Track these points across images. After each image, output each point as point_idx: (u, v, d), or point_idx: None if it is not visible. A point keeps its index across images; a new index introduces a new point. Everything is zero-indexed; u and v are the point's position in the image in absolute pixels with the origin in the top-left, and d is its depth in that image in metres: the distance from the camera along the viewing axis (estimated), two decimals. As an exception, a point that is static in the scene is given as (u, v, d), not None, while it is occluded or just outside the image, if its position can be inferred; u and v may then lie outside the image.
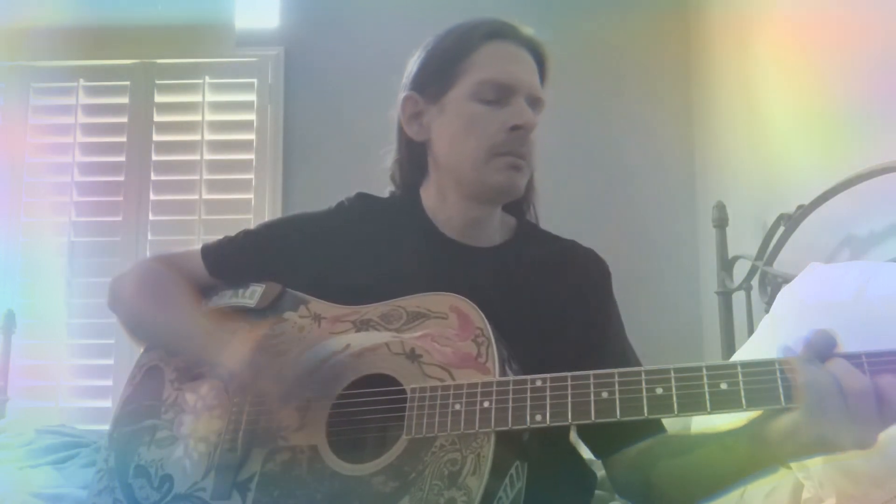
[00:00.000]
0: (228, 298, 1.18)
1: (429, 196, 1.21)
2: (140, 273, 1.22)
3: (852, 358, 0.78)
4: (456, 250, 1.18)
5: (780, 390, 0.80)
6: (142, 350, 1.21)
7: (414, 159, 1.23)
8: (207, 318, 1.12)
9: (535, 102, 1.15)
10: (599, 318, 1.17)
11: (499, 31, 1.16)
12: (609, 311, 1.19)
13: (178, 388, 1.11)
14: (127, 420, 1.13)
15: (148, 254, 3.01)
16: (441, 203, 1.20)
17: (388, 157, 1.27)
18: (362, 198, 1.26)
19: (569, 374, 0.89)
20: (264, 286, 1.16)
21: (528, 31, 1.20)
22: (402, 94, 1.21)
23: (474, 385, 0.92)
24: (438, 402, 0.93)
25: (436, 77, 1.17)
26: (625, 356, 1.15)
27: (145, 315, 1.19)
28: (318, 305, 1.12)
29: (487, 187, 1.15)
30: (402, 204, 1.23)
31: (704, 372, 0.84)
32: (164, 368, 1.15)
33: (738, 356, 1.80)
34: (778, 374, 0.81)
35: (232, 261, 1.21)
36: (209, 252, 1.22)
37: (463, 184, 1.16)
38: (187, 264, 1.22)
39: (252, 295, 1.16)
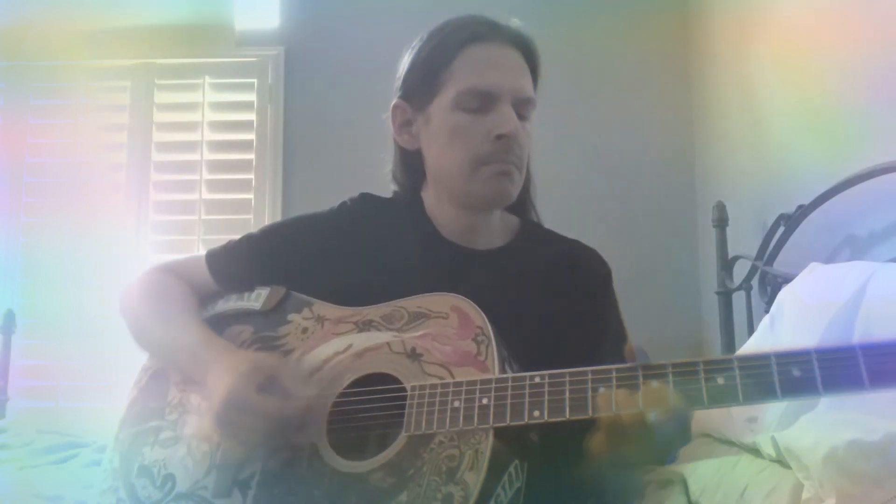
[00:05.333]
0: (234, 302, 1.18)
1: (429, 198, 1.21)
2: (143, 285, 1.22)
3: (848, 352, 0.78)
4: (456, 253, 1.18)
5: (777, 385, 0.80)
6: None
7: (410, 166, 1.23)
8: (201, 337, 1.11)
9: (523, 104, 1.13)
10: (599, 319, 1.17)
11: (479, 34, 1.13)
12: (609, 313, 1.19)
13: (183, 390, 1.11)
14: (132, 422, 1.14)
15: (148, 254, 3.02)
16: (439, 208, 1.20)
17: (389, 160, 1.27)
18: (365, 198, 1.25)
19: (567, 370, 0.90)
20: (269, 289, 1.17)
21: (514, 25, 1.16)
22: (392, 101, 1.20)
23: (473, 382, 0.93)
24: (438, 399, 0.93)
25: (420, 86, 1.16)
26: (622, 360, 1.14)
27: (145, 330, 1.19)
28: (322, 307, 1.12)
29: (476, 197, 1.14)
30: (404, 205, 1.23)
31: (701, 367, 0.84)
32: (169, 372, 1.15)
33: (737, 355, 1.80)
34: (774, 368, 0.81)
35: (236, 267, 1.21)
36: (213, 259, 1.22)
37: (453, 193, 1.16)
38: (193, 271, 1.22)
39: (257, 298, 1.17)
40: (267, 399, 0.98)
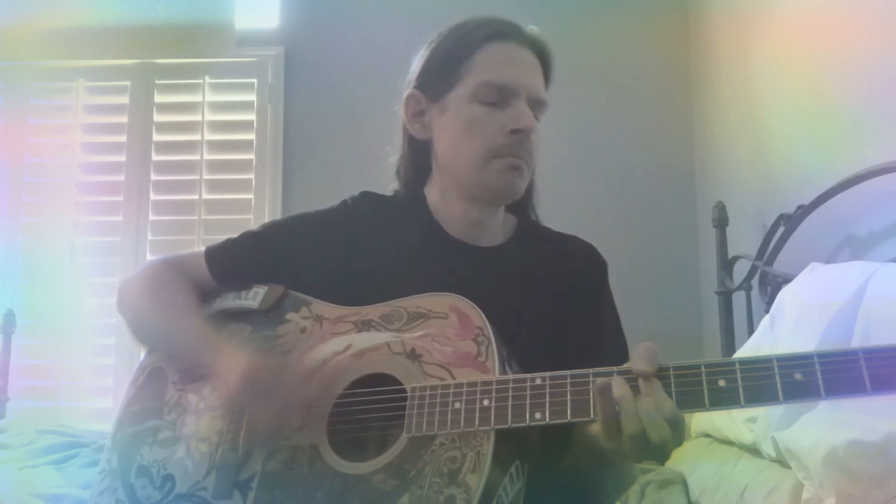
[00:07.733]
0: (231, 300, 1.18)
1: (433, 195, 1.21)
2: (145, 278, 1.21)
3: (851, 356, 0.78)
4: (459, 250, 1.18)
5: (779, 388, 0.80)
6: (145, 352, 1.21)
7: (417, 157, 1.23)
8: (207, 326, 1.11)
9: (536, 104, 1.15)
10: (596, 313, 1.18)
11: (501, 32, 1.16)
12: (605, 307, 1.20)
13: (181, 389, 1.11)
14: (130, 421, 1.13)
15: (148, 253, 3.02)
16: (444, 203, 1.20)
17: (393, 154, 1.27)
18: (366, 196, 1.25)
19: (568, 372, 0.90)
20: (267, 288, 1.16)
21: (532, 30, 1.19)
22: (406, 92, 1.20)
23: (474, 384, 0.92)
24: (438, 400, 0.93)
25: (438, 76, 1.17)
26: (622, 352, 1.14)
27: (147, 321, 1.18)
28: (320, 306, 1.12)
29: (486, 189, 1.15)
30: (406, 202, 1.23)
31: (703, 369, 0.84)
32: (166, 370, 1.15)
33: (738, 356, 1.80)
34: (777, 372, 0.81)
35: (235, 264, 1.20)
36: (212, 255, 1.21)
37: (462, 185, 1.16)
38: (192, 267, 1.21)
39: (255, 296, 1.16)
40: (286, 377, 1.00)
